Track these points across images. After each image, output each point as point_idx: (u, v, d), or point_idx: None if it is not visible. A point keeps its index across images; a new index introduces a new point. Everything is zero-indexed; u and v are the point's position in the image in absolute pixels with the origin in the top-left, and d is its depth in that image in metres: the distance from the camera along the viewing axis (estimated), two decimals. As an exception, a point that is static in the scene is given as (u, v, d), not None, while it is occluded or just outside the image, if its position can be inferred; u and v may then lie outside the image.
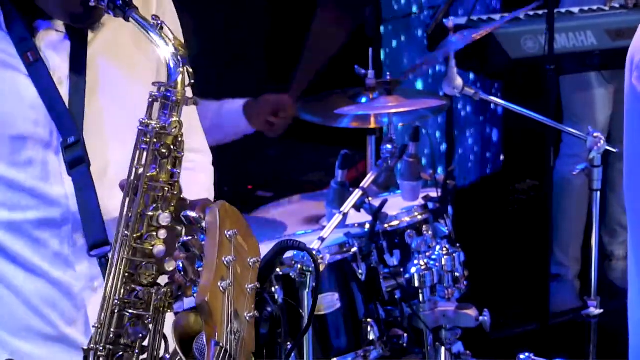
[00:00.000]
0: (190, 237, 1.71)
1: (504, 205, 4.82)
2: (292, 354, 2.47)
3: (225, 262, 1.48)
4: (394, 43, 4.62)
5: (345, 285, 2.67)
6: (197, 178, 1.91)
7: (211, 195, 1.92)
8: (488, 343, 3.25)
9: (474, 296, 2.89)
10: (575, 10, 4.04)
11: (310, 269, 2.58)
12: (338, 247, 2.75)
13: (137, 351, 1.63)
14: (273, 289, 2.54)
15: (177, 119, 1.60)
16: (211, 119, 3.37)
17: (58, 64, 1.71)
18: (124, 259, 1.60)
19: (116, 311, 1.61)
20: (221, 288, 1.46)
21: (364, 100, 3.13)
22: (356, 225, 2.81)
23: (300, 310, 2.51)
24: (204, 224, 1.53)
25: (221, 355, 1.43)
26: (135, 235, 1.60)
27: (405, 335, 2.80)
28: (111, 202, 1.71)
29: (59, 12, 1.68)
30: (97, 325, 1.62)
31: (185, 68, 1.59)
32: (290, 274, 2.57)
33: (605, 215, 4.33)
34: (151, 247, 1.61)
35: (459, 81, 3.14)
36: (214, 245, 1.48)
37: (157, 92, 1.60)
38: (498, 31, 3.82)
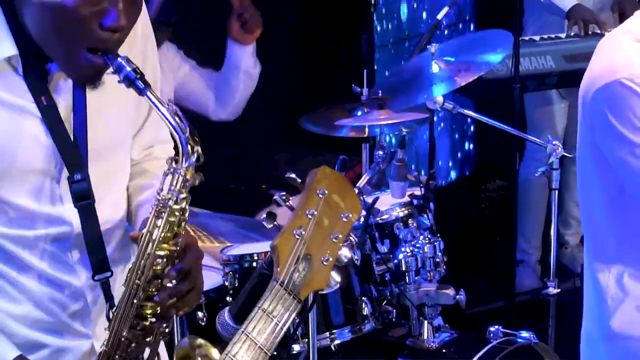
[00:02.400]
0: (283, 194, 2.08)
1: (477, 202, 4.81)
2: (300, 327, 2.46)
3: (307, 214, 1.51)
4: (385, 66, 4.62)
5: (343, 269, 2.66)
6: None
7: None
8: (463, 318, 3.24)
9: (452, 278, 2.88)
10: (537, 38, 4.04)
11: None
12: (337, 237, 2.75)
13: None
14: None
15: (186, 195, 1.59)
16: (216, 79, 3.44)
17: (63, 105, 1.66)
18: (133, 304, 1.62)
19: (122, 340, 1.63)
20: (296, 235, 1.49)
21: (359, 113, 3.13)
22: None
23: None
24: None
25: (275, 287, 1.49)
26: (144, 284, 1.61)
27: (394, 311, 2.79)
28: (106, 226, 1.72)
29: (74, 77, 1.62)
30: (104, 348, 1.64)
31: (197, 152, 1.56)
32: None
33: (561, 210, 4.33)
34: (156, 292, 1.62)
35: (439, 98, 3.14)
36: (301, 201, 1.52)
37: (170, 169, 1.59)
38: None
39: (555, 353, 2.82)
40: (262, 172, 3.96)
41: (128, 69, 1.55)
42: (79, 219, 1.69)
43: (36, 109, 1.63)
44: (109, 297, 1.72)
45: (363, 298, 2.67)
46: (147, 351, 1.67)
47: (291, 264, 1.50)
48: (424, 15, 4.75)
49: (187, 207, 1.61)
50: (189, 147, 1.57)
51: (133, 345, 1.64)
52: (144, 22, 1.78)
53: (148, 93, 1.56)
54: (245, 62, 3.54)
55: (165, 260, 1.61)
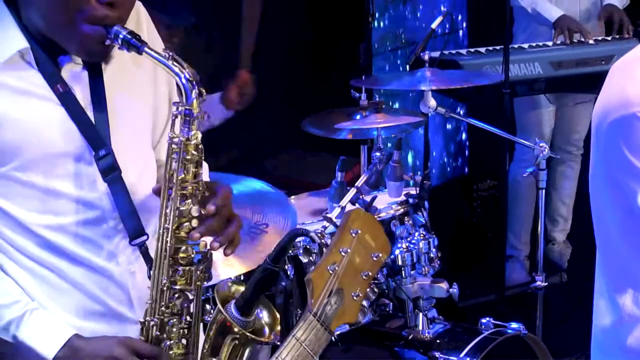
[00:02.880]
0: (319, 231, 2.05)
1: (470, 200, 4.82)
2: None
3: (340, 252, 1.53)
4: (383, 71, 4.62)
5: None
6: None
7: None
8: (456, 310, 3.25)
9: (445, 273, 2.88)
10: (526, 46, 4.04)
11: (315, 250, 2.59)
12: (337, 233, 2.75)
13: (183, 318, 1.64)
14: (286, 267, 2.55)
15: (196, 130, 1.60)
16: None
17: (81, 92, 1.68)
18: (168, 247, 1.61)
19: (164, 289, 1.62)
20: (329, 270, 1.51)
21: (358, 117, 3.12)
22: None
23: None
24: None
25: (309, 317, 1.51)
26: (174, 227, 1.60)
27: (391, 303, 2.79)
28: (137, 196, 1.71)
29: (79, 51, 1.64)
30: (150, 302, 1.63)
31: (198, 89, 1.59)
32: (299, 256, 2.58)
33: (548, 209, 4.33)
34: (187, 234, 1.61)
35: (432, 102, 3.15)
36: (336, 239, 1.55)
37: (177, 110, 1.60)
38: (464, 62, 3.83)
39: (543, 343, 2.83)
40: (266, 172, 3.96)
41: (124, 32, 1.58)
42: (110, 196, 1.69)
43: (54, 96, 1.64)
44: (147, 259, 1.70)
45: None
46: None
47: (324, 297, 1.52)
48: (421, 23, 4.75)
49: (200, 144, 1.61)
50: (189, 83, 1.58)
51: (175, 294, 1.63)
52: (148, 27, 1.80)
53: (145, 49, 1.59)
54: (214, 119, 3.48)
55: (189, 201, 1.61)
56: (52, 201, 1.66)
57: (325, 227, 2.64)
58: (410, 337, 2.77)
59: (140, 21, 1.78)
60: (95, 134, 1.67)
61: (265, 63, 4.06)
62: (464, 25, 4.95)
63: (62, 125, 1.65)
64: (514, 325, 2.74)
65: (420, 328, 2.78)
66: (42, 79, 1.64)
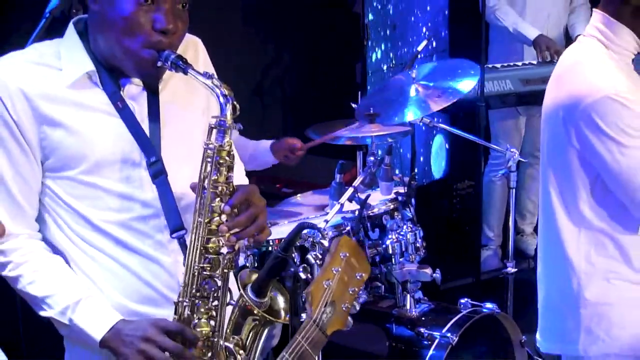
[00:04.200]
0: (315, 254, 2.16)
1: (450, 198, 4.81)
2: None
3: (333, 271, 1.60)
4: (375, 87, 4.62)
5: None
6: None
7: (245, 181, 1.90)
8: (439, 292, 3.24)
9: (429, 260, 2.88)
10: (499, 65, 4.04)
11: (318, 240, 2.59)
12: (337, 226, 2.74)
13: (211, 300, 1.64)
14: (293, 255, 2.55)
15: (229, 139, 1.62)
16: (250, 152, 3.38)
17: (139, 109, 1.70)
18: (200, 238, 1.61)
19: (196, 274, 1.62)
20: (324, 285, 1.58)
21: (354, 126, 3.12)
22: (349, 211, 2.81)
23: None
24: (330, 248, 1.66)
25: (310, 323, 1.55)
26: (206, 220, 1.61)
27: (383, 286, 2.79)
28: (181, 197, 1.72)
29: (136, 72, 1.67)
30: (182, 285, 1.63)
31: (232, 104, 1.60)
32: (305, 245, 2.57)
33: (518, 205, 4.33)
34: (216, 228, 1.61)
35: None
36: (329, 260, 1.60)
37: (214, 123, 1.61)
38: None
39: (514, 320, 2.82)
40: (276, 174, 3.95)
41: (173, 56, 1.61)
42: (159, 200, 1.70)
43: (115, 111, 1.66)
44: (184, 250, 1.70)
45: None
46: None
47: (321, 306, 1.57)
48: (408, 46, 4.75)
49: (232, 151, 1.63)
50: (225, 99, 1.60)
51: (205, 279, 1.63)
52: (204, 60, 1.84)
53: (190, 70, 1.61)
54: (262, 164, 3.42)
55: (219, 199, 1.61)
56: (110, 199, 1.68)
57: (327, 221, 2.64)
58: (399, 315, 2.77)
59: (198, 52, 1.82)
60: (148, 143, 1.68)
61: (277, 81, 4.07)
62: (445, 47, 4.94)
63: (120, 136, 1.67)
64: (489, 305, 2.74)
65: (408, 307, 2.77)
66: (105, 97, 1.67)
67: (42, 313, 1.67)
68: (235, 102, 1.60)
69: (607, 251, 2.04)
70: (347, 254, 1.60)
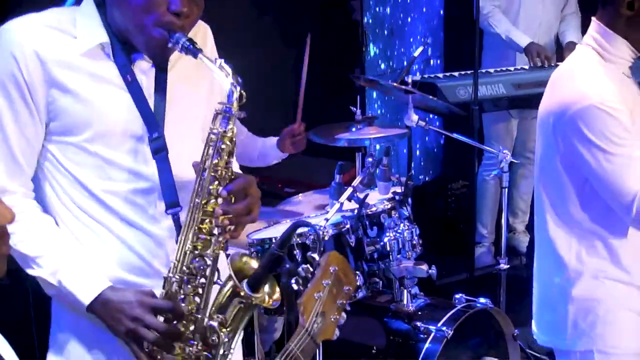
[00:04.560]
0: (306, 266, 2.16)
1: (445, 197, 4.80)
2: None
3: (323, 284, 1.62)
4: (374, 93, 4.62)
5: (341, 249, 2.66)
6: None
7: None
8: (434, 287, 3.24)
9: (425, 256, 2.87)
10: (492, 70, 4.04)
11: (317, 238, 2.59)
12: (337, 224, 2.74)
13: (199, 278, 1.62)
14: (295, 252, 2.55)
15: (232, 126, 1.59)
16: (260, 150, 3.38)
17: (147, 84, 1.68)
18: (195, 218, 1.60)
19: (187, 252, 1.61)
20: (315, 297, 1.60)
21: (353, 129, 3.12)
22: (349, 210, 2.81)
23: (310, 267, 2.51)
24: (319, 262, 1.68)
25: (302, 332, 1.57)
26: (203, 202, 1.59)
27: (380, 282, 2.78)
28: (179, 175, 1.70)
29: (145, 49, 1.65)
30: (174, 261, 1.62)
31: (239, 92, 1.58)
32: (306, 242, 2.57)
33: (510, 204, 4.33)
34: (212, 210, 1.60)
35: (414, 117, 3.14)
36: (319, 273, 1.62)
37: (220, 109, 1.60)
38: (441, 84, 3.82)
39: (506, 315, 2.82)
40: (278, 174, 3.95)
41: (184, 39, 1.59)
42: (158, 175, 1.68)
43: (124, 84, 1.65)
44: (177, 227, 1.69)
45: (356, 272, 2.66)
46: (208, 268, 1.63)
47: (313, 316, 1.59)
48: (405, 52, 4.75)
49: (234, 138, 1.60)
50: (233, 87, 1.58)
51: (195, 258, 1.62)
52: (212, 48, 1.83)
53: (200, 54, 1.59)
54: (272, 160, 3.42)
55: (217, 182, 1.60)
56: (111, 170, 1.66)
57: (327, 220, 2.63)
58: (396, 310, 2.77)
59: (206, 39, 1.81)
60: (152, 119, 1.67)
61: (279, 85, 4.06)
62: (441, 53, 4.94)
63: (126, 109, 1.65)
64: (482, 300, 2.74)
65: (405, 302, 2.77)
66: (115, 69, 1.65)
67: (31, 272, 1.64)
68: (242, 91, 1.58)
69: (597, 252, 2.03)
70: (336, 268, 1.63)
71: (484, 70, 3.98)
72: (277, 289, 1.65)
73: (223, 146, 1.59)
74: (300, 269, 2.44)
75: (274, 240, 2.65)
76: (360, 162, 3.27)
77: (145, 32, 1.60)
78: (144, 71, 1.68)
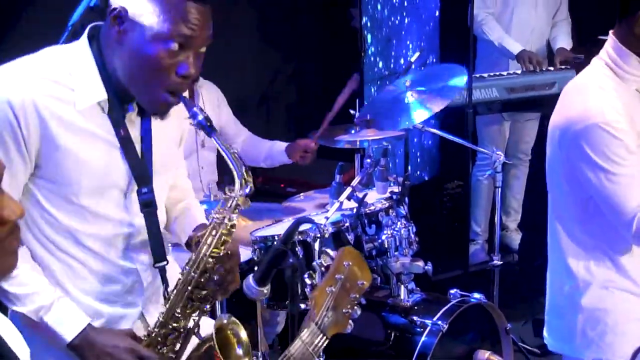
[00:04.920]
0: (320, 261, 2.07)
1: (441, 197, 4.81)
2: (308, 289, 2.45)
3: (336, 278, 1.59)
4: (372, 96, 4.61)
5: (341, 246, 2.65)
6: (198, 214, 1.87)
7: (203, 218, 1.88)
8: (430, 283, 3.23)
9: (422, 253, 2.87)
10: (485, 75, 4.03)
11: (318, 234, 2.58)
12: (337, 223, 2.74)
13: (181, 334, 1.67)
14: (297, 249, 2.54)
15: (237, 217, 1.63)
16: (266, 153, 3.37)
17: (135, 134, 1.66)
18: (187, 286, 1.65)
19: (176, 313, 1.66)
20: (327, 291, 1.58)
21: (353, 131, 3.12)
22: (348, 209, 2.80)
23: (313, 263, 2.51)
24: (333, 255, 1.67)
25: (312, 328, 1.56)
26: (197, 276, 1.64)
27: (379, 278, 2.79)
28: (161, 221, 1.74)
29: (149, 107, 1.62)
30: (160, 317, 1.67)
31: (249, 188, 1.61)
32: (307, 240, 2.57)
33: (503, 203, 4.32)
34: (204, 283, 1.65)
35: (412, 119, 3.13)
36: (332, 268, 1.60)
37: (229, 196, 1.62)
38: (437, 88, 3.81)
39: (499, 309, 2.81)
40: (281, 174, 3.95)
41: (201, 117, 1.58)
42: (142, 222, 1.68)
43: (116, 141, 1.62)
44: (164, 280, 1.72)
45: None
46: (191, 323, 1.68)
47: (324, 311, 1.57)
48: (403, 57, 4.74)
49: (235, 224, 1.63)
50: (243, 180, 1.59)
51: (182, 318, 1.65)
52: (226, 108, 1.86)
53: (214, 136, 1.58)
54: (277, 163, 3.41)
55: (214, 260, 1.63)
56: (95, 219, 1.65)
57: (327, 218, 2.63)
58: (393, 305, 2.76)
59: (220, 102, 1.81)
60: (142, 174, 1.65)
61: (281, 90, 4.06)
62: (436, 58, 4.93)
63: (116, 165, 1.63)
64: (476, 295, 2.73)
65: (402, 297, 2.76)
66: (109, 124, 1.61)
67: (14, 307, 1.62)
68: (252, 185, 1.60)
69: (605, 263, 2.00)
70: (350, 263, 1.60)
71: (478, 75, 3.97)
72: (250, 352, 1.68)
73: (224, 231, 1.62)
74: (314, 263, 2.44)
75: (276, 238, 2.65)
76: (359, 163, 3.27)
77: (153, 94, 1.56)
78: (132, 121, 1.65)
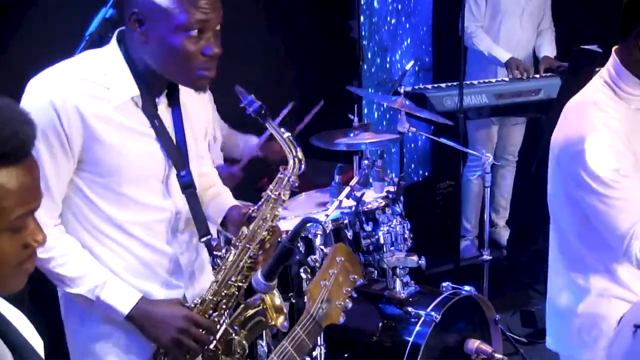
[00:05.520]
0: (314, 257, 2.18)
1: (433, 196, 4.80)
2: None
3: (329, 272, 1.61)
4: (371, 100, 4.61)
5: (340, 242, 2.66)
6: (228, 197, 1.91)
7: (234, 200, 1.93)
8: (424, 276, 3.23)
9: (416, 249, 2.87)
10: (475, 82, 4.03)
11: (320, 232, 2.58)
12: (336, 220, 2.74)
13: (231, 301, 1.73)
14: (300, 245, 2.55)
15: (289, 193, 1.70)
16: (242, 145, 3.36)
17: (168, 123, 1.69)
18: (241, 258, 1.70)
19: (228, 282, 1.71)
20: (322, 284, 1.59)
21: (351, 135, 3.12)
22: (347, 207, 2.80)
23: (308, 258, 2.51)
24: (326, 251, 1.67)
25: (307, 318, 1.57)
26: (252, 248, 1.70)
27: (376, 271, 2.78)
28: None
29: (192, 87, 1.64)
30: (214, 284, 1.71)
31: (301, 168, 1.69)
32: (309, 236, 2.57)
33: (492, 202, 4.32)
34: (255, 252, 1.71)
35: (406, 124, 3.13)
36: (326, 263, 1.61)
37: (284, 175, 1.69)
38: (429, 94, 3.82)
39: (489, 301, 2.81)
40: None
41: (257, 104, 1.65)
42: (182, 205, 1.72)
43: (152, 132, 1.64)
44: (211, 251, 1.75)
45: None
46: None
47: (318, 303, 1.58)
48: (397, 65, 4.74)
49: (285, 201, 1.70)
50: (297, 160, 1.65)
51: (233, 285, 1.70)
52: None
53: (269, 122, 1.64)
54: (245, 156, 3.36)
55: (268, 232, 1.70)
56: (137, 206, 1.67)
57: (327, 215, 2.63)
58: (389, 297, 2.76)
59: (209, 99, 1.83)
60: (180, 158, 1.68)
61: (284, 95, 4.05)
62: (430, 66, 4.93)
63: (153, 154, 1.66)
64: (467, 288, 2.73)
65: (398, 290, 2.76)
66: (144, 117, 1.64)
67: (69, 290, 1.65)
68: (303, 162, 1.67)
69: (602, 273, 1.97)
70: (343, 259, 1.62)
71: (468, 82, 3.97)
72: (285, 310, 1.72)
73: (276, 205, 1.68)
74: (309, 259, 2.45)
75: (283, 235, 2.65)
76: (358, 164, 3.27)
77: (189, 75, 1.59)
78: (163, 112, 1.68)
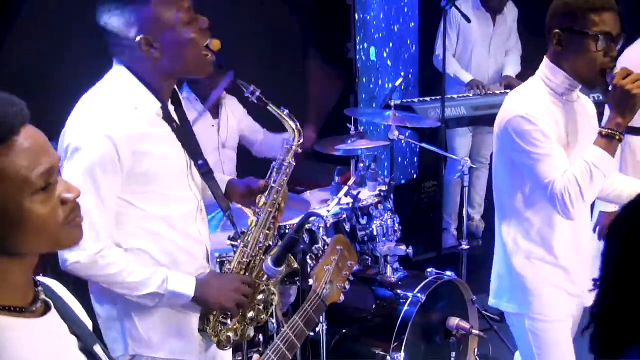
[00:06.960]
0: (318, 246, 2.16)
1: (419, 194, 4.79)
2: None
3: (331, 259, 1.62)
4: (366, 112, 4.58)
5: (341, 234, 2.65)
6: (219, 174, 1.89)
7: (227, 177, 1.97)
8: (411, 263, 3.23)
9: (404, 239, 2.87)
10: (455, 96, 4.03)
11: (322, 225, 2.58)
12: (336, 215, 2.73)
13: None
14: (304, 236, 2.54)
15: (293, 160, 1.75)
16: (281, 142, 3.31)
17: (179, 122, 1.69)
18: (264, 221, 1.75)
19: (259, 243, 1.75)
20: (325, 269, 1.60)
21: (349, 141, 3.11)
22: (345, 204, 2.80)
23: (313, 247, 2.50)
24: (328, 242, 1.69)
25: (314, 296, 1.57)
26: (273, 211, 1.75)
27: (370, 258, 2.78)
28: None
29: (204, 70, 1.64)
30: (251, 241, 1.75)
31: (299, 139, 1.73)
32: (313, 229, 2.56)
33: (469, 199, 4.31)
34: (274, 216, 1.75)
35: (396, 132, 3.13)
36: (328, 251, 1.63)
37: (289, 145, 1.74)
38: (416, 106, 3.81)
39: (467, 284, 2.81)
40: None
41: (258, 92, 1.68)
42: (199, 194, 1.72)
43: (173, 135, 1.65)
44: (234, 225, 1.77)
45: (351, 251, 2.66)
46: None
47: (323, 284, 1.59)
48: (389, 82, 4.73)
49: (292, 166, 1.76)
50: (297, 131, 1.70)
51: (263, 245, 1.73)
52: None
53: (270, 105, 1.68)
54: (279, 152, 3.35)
55: (282, 197, 1.76)
56: (174, 202, 1.67)
57: (328, 211, 2.62)
58: (381, 280, 2.76)
59: (241, 113, 1.87)
60: (196, 150, 1.70)
61: (290, 108, 4.04)
62: (416, 83, 4.92)
63: (178, 151, 1.67)
64: (448, 273, 2.73)
65: (389, 274, 2.76)
66: (165, 124, 1.64)
67: (139, 293, 1.61)
68: (302, 133, 1.72)
69: (530, 237, 2.01)
70: (342, 248, 1.63)
71: (449, 96, 3.97)
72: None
73: (287, 172, 1.74)
74: (313, 248, 2.44)
75: (288, 227, 2.65)
76: (354, 167, 3.26)
77: (199, 57, 1.59)
78: (173, 114, 1.68)
